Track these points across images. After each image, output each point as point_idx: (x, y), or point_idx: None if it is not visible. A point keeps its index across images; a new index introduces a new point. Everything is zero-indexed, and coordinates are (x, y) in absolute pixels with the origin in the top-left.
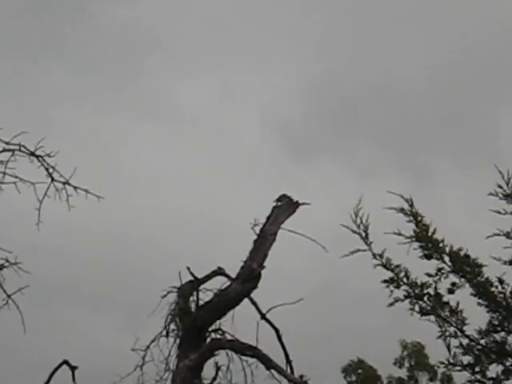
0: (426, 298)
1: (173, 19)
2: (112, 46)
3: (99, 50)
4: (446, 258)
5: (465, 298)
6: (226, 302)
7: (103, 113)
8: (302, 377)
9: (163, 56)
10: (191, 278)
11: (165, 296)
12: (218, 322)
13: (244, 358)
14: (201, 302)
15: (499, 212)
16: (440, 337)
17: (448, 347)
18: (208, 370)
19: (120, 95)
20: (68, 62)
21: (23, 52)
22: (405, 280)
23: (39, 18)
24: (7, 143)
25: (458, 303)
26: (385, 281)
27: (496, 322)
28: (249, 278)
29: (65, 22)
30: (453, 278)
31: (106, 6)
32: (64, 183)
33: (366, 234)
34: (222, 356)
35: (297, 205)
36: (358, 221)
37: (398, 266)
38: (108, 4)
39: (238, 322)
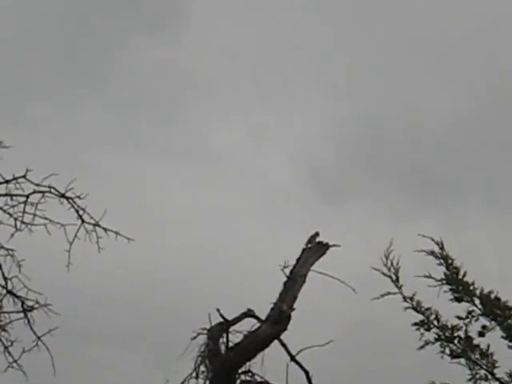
0: (456, 341)
1: (208, 60)
2: (143, 86)
3: (130, 89)
4: (477, 301)
5: (495, 341)
6: (255, 343)
7: (134, 154)
8: None
9: (197, 97)
10: (221, 319)
11: (195, 338)
12: (247, 363)
13: None
14: (230, 344)
15: None
16: (470, 380)
17: None
18: None
19: (152, 136)
20: (100, 102)
21: (53, 91)
22: (435, 323)
23: (75, 57)
24: (38, 185)
25: (488, 346)
26: (415, 323)
27: None
28: (279, 319)
29: (100, 61)
30: (483, 320)
31: (143, 46)
32: (94, 225)
33: (397, 277)
34: None
35: (327, 247)
36: (389, 264)
37: (428, 309)
38: (145, 43)
39: (268, 364)
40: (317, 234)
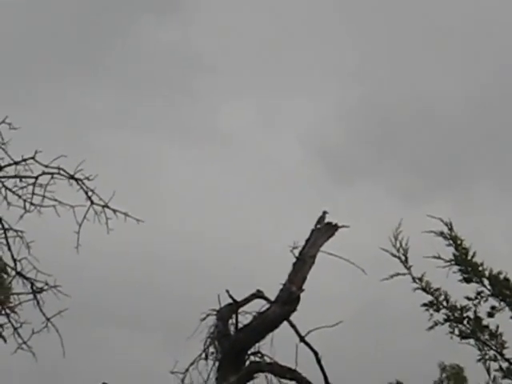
0: (465, 322)
1: (220, 41)
2: (155, 67)
3: (142, 71)
4: (486, 282)
5: (504, 322)
6: (265, 324)
7: (144, 135)
8: None
9: (208, 78)
10: (230, 300)
11: (204, 319)
12: (257, 344)
13: (283, 380)
14: (240, 325)
15: None
16: (480, 360)
17: (488, 370)
18: None
19: (161, 117)
20: (110, 83)
21: (64, 73)
22: (444, 303)
23: (82, 40)
24: (46, 166)
25: (497, 326)
26: (424, 304)
27: None
28: (288, 300)
29: (108, 43)
30: (492, 301)
31: (155, 27)
32: (103, 206)
33: (406, 258)
34: (261, 379)
35: (336, 228)
36: (398, 244)
37: (437, 290)
38: (156, 24)
39: (277, 345)
40: (325, 214)
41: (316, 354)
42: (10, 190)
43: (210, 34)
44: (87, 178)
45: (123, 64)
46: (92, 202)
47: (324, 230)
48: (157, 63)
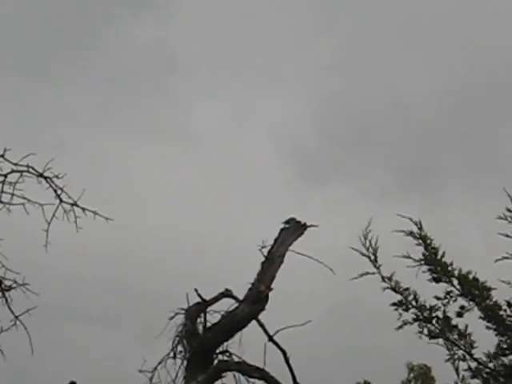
0: (434, 321)
1: (193, 41)
2: (130, 66)
3: (117, 70)
4: (455, 282)
5: (473, 322)
6: (233, 323)
7: (116, 134)
8: None
9: (181, 78)
10: (199, 299)
11: (172, 318)
12: (225, 343)
13: (251, 380)
14: (208, 324)
15: (508, 236)
16: (448, 360)
17: (456, 370)
18: None
19: (133, 116)
20: (84, 82)
21: (36, 70)
22: (413, 303)
23: (57, 38)
24: (16, 164)
25: (466, 326)
26: (394, 304)
27: (504, 346)
28: (256, 299)
29: (83, 40)
30: (461, 301)
31: (130, 26)
32: (72, 204)
33: (375, 257)
34: (229, 378)
35: (304, 227)
36: (367, 243)
37: (406, 289)
38: (132, 23)
39: (246, 345)
40: (293, 220)
41: (284, 353)
42: None
43: (184, 34)
44: (56, 177)
45: (98, 63)
46: (61, 201)
47: (292, 229)
48: (132, 62)
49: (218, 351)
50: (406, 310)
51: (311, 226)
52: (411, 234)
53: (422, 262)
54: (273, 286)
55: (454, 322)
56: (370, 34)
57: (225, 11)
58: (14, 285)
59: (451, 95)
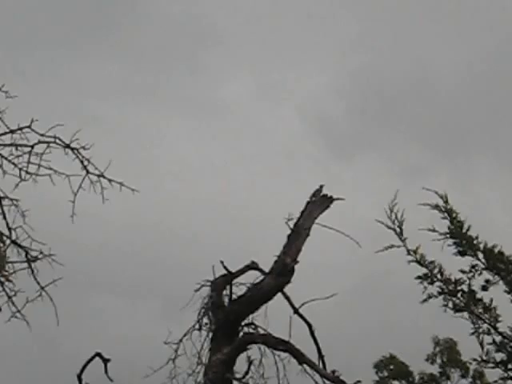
0: (459, 295)
1: (223, 16)
2: (159, 39)
3: (146, 42)
4: (480, 255)
5: (498, 295)
6: (259, 296)
7: (143, 106)
8: (334, 372)
9: (210, 52)
10: (224, 271)
11: (198, 290)
12: (250, 316)
13: (276, 352)
14: (234, 296)
15: None
16: (473, 334)
17: (481, 344)
18: (240, 364)
19: (161, 88)
20: (112, 54)
21: (64, 43)
22: (439, 276)
23: (87, 9)
24: (42, 135)
25: (491, 300)
26: (419, 277)
27: None
28: (282, 272)
29: (112, 13)
30: (486, 274)
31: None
32: (99, 176)
33: (401, 230)
34: (254, 350)
35: (331, 200)
36: (393, 216)
37: (432, 263)
38: None
39: (271, 317)
40: (322, 187)
41: (310, 326)
42: (5, 158)
43: (213, 8)
44: (83, 148)
45: (126, 36)
46: (87, 172)
47: (319, 202)
48: (160, 35)
49: (243, 323)
50: (431, 283)
51: (338, 199)
52: (437, 207)
53: (448, 236)
54: (299, 259)
55: (478, 296)
56: (398, 7)
57: None
58: (40, 255)
59: (480, 69)
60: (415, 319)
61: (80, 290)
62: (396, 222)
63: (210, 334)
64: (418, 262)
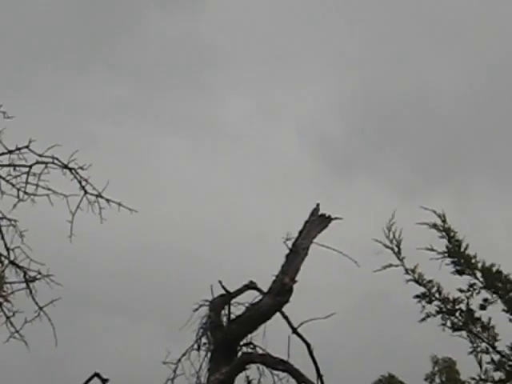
0: (457, 314)
1: (223, 35)
2: (158, 59)
3: (145, 63)
4: (478, 274)
5: (497, 314)
6: (257, 315)
7: (142, 126)
8: None
9: (209, 71)
10: (223, 291)
11: (197, 309)
12: (249, 335)
13: (275, 372)
14: (232, 316)
15: None
16: (471, 352)
17: (479, 363)
18: None
19: (160, 109)
20: (110, 74)
21: (63, 62)
22: (437, 295)
23: (83, 29)
24: (40, 155)
25: (489, 319)
26: (417, 296)
27: None
28: (281, 292)
29: (111, 32)
30: (485, 293)
31: (160, 19)
32: (97, 196)
33: (399, 249)
34: (253, 370)
35: (329, 219)
36: (391, 235)
37: (430, 282)
38: (162, 17)
39: (270, 337)
40: (318, 206)
41: (308, 345)
42: (3, 178)
43: (212, 27)
44: (81, 168)
45: (124, 55)
46: (85, 192)
47: (317, 221)
48: (159, 55)
49: (241, 343)
50: (430, 302)
51: (336, 218)
52: (435, 226)
53: (446, 255)
54: (297, 278)
55: (477, 315)
56: (397, 28)
57: (253, 4)
58: (39, 276)
59: (477, 89)
60: (414, 338)
61: (78, 310)
62: (394, 241)
63: (209, 354)
64: (416, 281)
